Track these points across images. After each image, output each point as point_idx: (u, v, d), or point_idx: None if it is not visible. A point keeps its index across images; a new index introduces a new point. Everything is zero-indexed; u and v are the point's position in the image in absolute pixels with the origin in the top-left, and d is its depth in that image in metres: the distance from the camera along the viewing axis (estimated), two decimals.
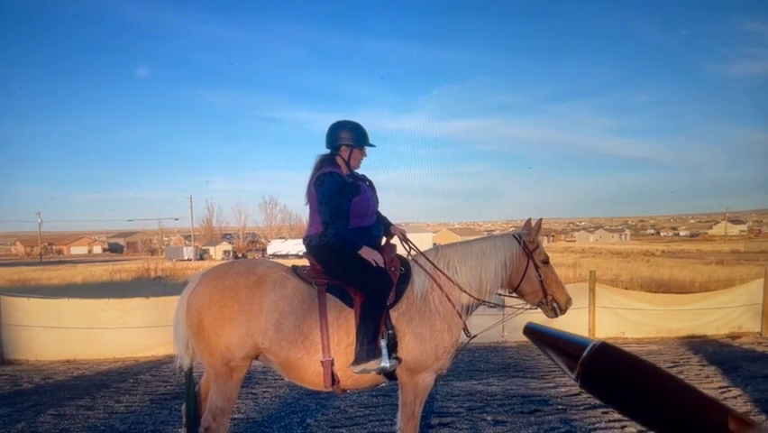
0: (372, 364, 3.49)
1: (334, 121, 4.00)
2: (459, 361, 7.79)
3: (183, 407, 4.04)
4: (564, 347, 0.79)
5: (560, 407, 5.91)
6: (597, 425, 5.34)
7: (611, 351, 0.75)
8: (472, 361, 8.39)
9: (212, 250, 79.59)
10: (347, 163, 3.93)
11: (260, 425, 5.48)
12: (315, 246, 3.84)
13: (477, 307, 3.96)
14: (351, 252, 3.69)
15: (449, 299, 3.80)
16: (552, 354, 0.82)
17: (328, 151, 3.98)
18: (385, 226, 4.08)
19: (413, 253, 4.04)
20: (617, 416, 5.54)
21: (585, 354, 0.74)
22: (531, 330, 0.90)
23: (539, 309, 4.07)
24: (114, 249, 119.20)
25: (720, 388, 6.67)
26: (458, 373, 7.41)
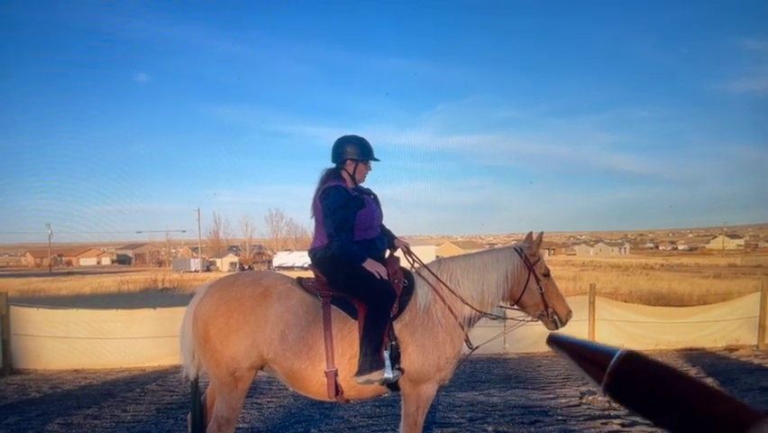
0: (376, 375, 3.53)
1: (340, 136, 4.07)
2: (461, 372, 7.85)
3: (189, 416, 4.07)
4: (590, 357, 0.78)
5: (560, 418, 5.96)
6: None
7: (638, 359, 0.75)
8: (474, 372, 8.44)
9: (219, 262, 79.65)
10: (352, 177, 4.01)
11: None
12: (320, 258, 3.91)
13: (479, 319, 4.02)
14: (355, 264, 3.76)
15: (451, 311, 3.85)
16: (577, 364, 0.81)
17: (334, 165, 4.06)
18: (389, 239, 4.15)
19: (416, 265, 4.10)
20: (616, 427, 5.60)
21: (612, 363, 0.74)
22: (555, 340, 0.86)
23: (540, 322, 4.11)
24: (123, 260, 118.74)
25: None
26: (460, 384, 7.46)
